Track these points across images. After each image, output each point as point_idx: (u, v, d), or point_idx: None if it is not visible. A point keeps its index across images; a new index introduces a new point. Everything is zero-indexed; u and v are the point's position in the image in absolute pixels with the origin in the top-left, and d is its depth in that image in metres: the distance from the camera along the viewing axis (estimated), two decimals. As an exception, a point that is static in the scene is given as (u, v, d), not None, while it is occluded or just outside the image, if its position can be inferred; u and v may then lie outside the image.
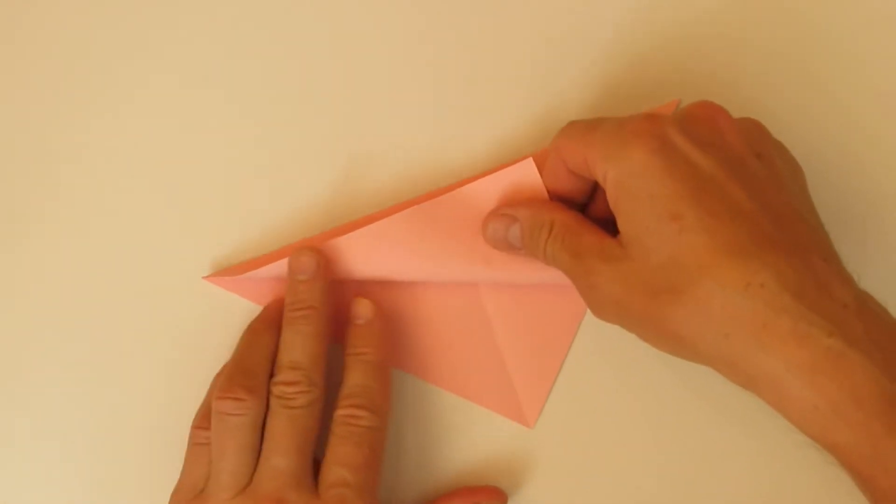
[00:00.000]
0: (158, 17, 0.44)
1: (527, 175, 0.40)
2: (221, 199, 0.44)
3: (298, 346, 0.38)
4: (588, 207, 0.40)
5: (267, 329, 0.40)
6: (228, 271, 0.43)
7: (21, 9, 0.44)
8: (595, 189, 0.40)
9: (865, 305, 0.32)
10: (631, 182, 0.34)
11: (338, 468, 0.37)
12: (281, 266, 0.41)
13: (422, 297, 0.43)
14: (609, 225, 0.39)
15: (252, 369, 0.38)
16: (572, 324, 0.43)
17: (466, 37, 0.44)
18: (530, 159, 0.40)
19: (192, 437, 0.39)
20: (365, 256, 0.41)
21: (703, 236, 0.32)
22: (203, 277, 0.43)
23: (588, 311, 0.42)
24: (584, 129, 0.37)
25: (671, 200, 0.33)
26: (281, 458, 0.37)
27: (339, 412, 0.38)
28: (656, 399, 0.42)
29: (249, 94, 0.44)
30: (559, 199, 0.40)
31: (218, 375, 0.41)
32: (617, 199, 0.35)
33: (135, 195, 0.44)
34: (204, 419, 0.39)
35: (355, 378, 0.39)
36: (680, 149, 0.34)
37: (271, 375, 0.38)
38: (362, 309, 0.40)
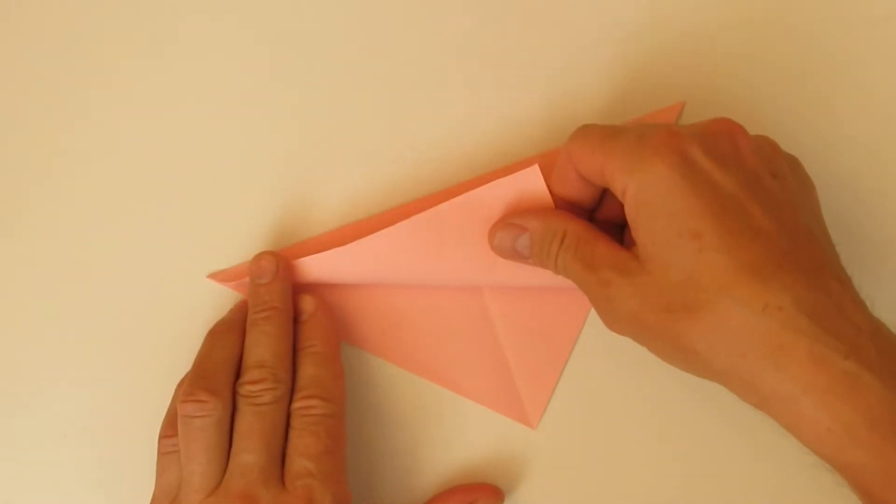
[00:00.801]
0: (160, 12, 0.44)
1: (532, 182, 0.40)
2: (227, 198, 0.43)
3: (263, 346, 0.39)
4: (595, 213, 0.40)
5: (227, 332, 0.40)
6: (233, 270, 0.42)
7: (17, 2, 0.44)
8: (603, 195, 0.40)
9: (878, 329, 0.33)
10: (651, 197, 0.34)
11: (300, 459, 0.37)
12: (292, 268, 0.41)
13: (425, 296, 0.43)
14: (615, 231, 0.39)
15: (213, 371, 0.38)
16: (576, 324, 0.43)
17: (476, 38, 0.44)
18: (536, 167, 0.39)
19: (159, 447, 0.39)
20: (370, 263, 0.41)
21: (722, 255, 0.32)
22: (207, 276, 0.42)
23: (591, 311, 0.42)
24: (601, 136, 0.36)
25: (692, 218, 0.33)
26: (250, 454, 0.37)
27: (294, 405, 0.38)
28: (659, 402, 0.42)
29: (255, 94, 0.44)
30: (566, 203, 0.40)
31: (180, 384, 0.41)
32: (636, 214, 0.34)
33: (138, 194, 0.43)
34: (169, 427, 0.39)
35: (305, 370, 0.39)
36: (701, 165, 0.33)
37: (237, 378, 0.39)
38: (305, 304, 0.41)
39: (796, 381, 0.31)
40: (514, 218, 0.39)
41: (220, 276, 0.42)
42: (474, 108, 0.44)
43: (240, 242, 0.43)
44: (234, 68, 0.44)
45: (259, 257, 0.41)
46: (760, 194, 0.34)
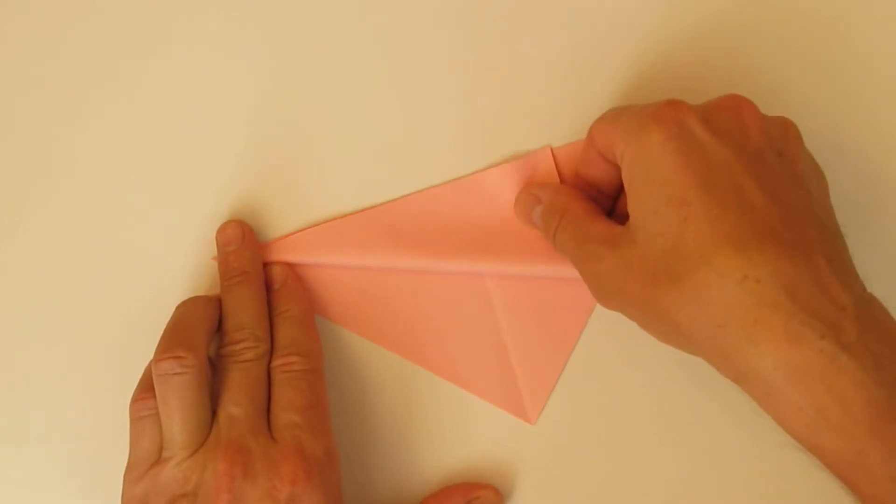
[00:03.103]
0: (155, 9, 0.44)
1: (543, 164, 0.41)
2: (230, 183, 0.43)
3: (240, 309, 0.39)
4: (618, 201, 0.41)
5: (195, 300, 0.41)
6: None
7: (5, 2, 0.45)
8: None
9: (867, 310, 0.32)
10: (644, 164, 0.34)
11: (285, 412, 0.37)
12: (289, 247, 0.42)
13: (427, 284, 0.42)
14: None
15: (187, 330, 0.38)
16: (581, 318, 0.42)
17: (479, 39, 0.44)
18: (548, 148, 0.41)
19: (132, 411, 0.38)
20: (374, 236, 0.41)
21: (707, 225, 0.32)
22: (213, 258, 0.43)
23: (596, 307, 0.42)
24: (615, 112, 0.37)
25: (681, 187, 0.33)
26: (236, 406, 0.37)
27: (274, 363, 0.39)
28: (660, 398, 0.42)
29: (257, 85, 0.44)
30: (592, 186, 0.40)
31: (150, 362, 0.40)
32: (630, 181, 0.35)
33: (140, 176, 0.43)
34: (142, 391, 0.38)
35: (283, 332, 0.40)
36: (697, 136, 0.34)
37: (212, 343, 0.39)
38: (275, 274, 0.42)
39: (769, 356, 0.31)
40: (534, 188, 0.41)
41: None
42: (476, 109, 0.43)
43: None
44: (240, 65, 0.44)
45: (225, 226, 0.42)
46: (757, 168, 0.33)
